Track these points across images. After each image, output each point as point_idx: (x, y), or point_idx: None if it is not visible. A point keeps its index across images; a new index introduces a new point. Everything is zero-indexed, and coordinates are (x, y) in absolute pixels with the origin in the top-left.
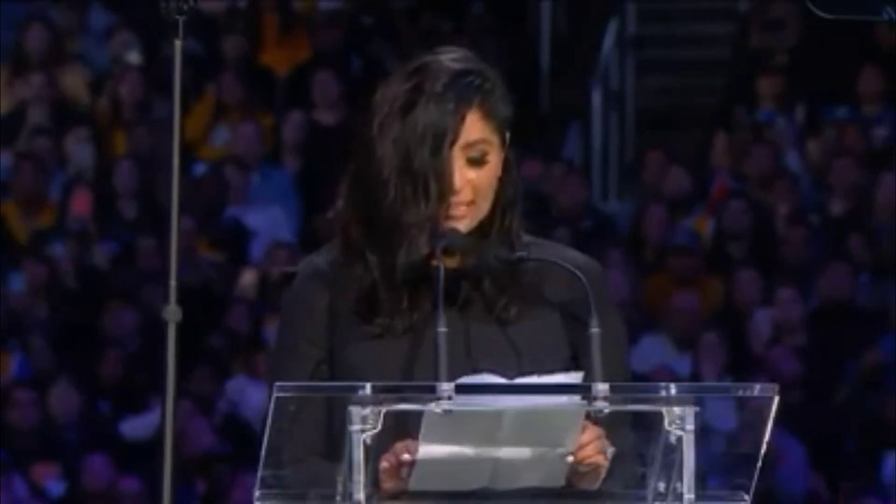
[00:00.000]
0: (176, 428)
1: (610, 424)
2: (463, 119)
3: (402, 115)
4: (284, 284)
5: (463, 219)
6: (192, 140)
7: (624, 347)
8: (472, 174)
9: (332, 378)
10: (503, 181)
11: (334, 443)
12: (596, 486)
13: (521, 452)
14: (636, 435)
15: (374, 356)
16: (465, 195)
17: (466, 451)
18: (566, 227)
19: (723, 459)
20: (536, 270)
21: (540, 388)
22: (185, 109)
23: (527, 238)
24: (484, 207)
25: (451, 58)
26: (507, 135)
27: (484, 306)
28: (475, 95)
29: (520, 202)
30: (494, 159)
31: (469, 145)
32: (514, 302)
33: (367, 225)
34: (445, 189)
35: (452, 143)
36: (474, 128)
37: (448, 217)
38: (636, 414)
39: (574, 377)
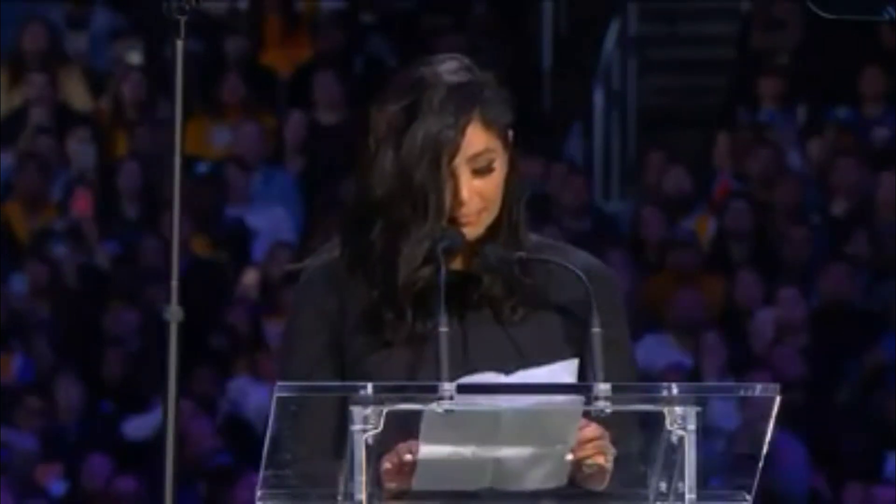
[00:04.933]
0: (177, 428)
1: (618, 424)
2: (463, 132)
3: (400, 134)
4: (288, 283)
5: (471, 227)
6: (193, 142)
7: (631, 350)
8: (479, 184)
9: (342, 377)
10: (508, 180)
11: (341, 442)
12: (602, 486)
13: (522, 452)
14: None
15: (383, 361)
16: (474, 205)
17: (467, 450)
18: (567, 226)
19: (724, 459)
20: (546, 272)
21: (541, 387)
22: (188, 111)
23: (538, 239)
24: (494, 212)
25: (447, 69)
26: (510, 133)
27: (490, 308)
28: (475, 107)
29: (524, 198)
30: (500, 165)
31: (474, 157)
32: (521, 303)
33: (368, 245)
34: (444, 205)
35: (452, 156)
36: (477, 139)
37: (457, 226)
38: (638, 414)
39: (569, 365)
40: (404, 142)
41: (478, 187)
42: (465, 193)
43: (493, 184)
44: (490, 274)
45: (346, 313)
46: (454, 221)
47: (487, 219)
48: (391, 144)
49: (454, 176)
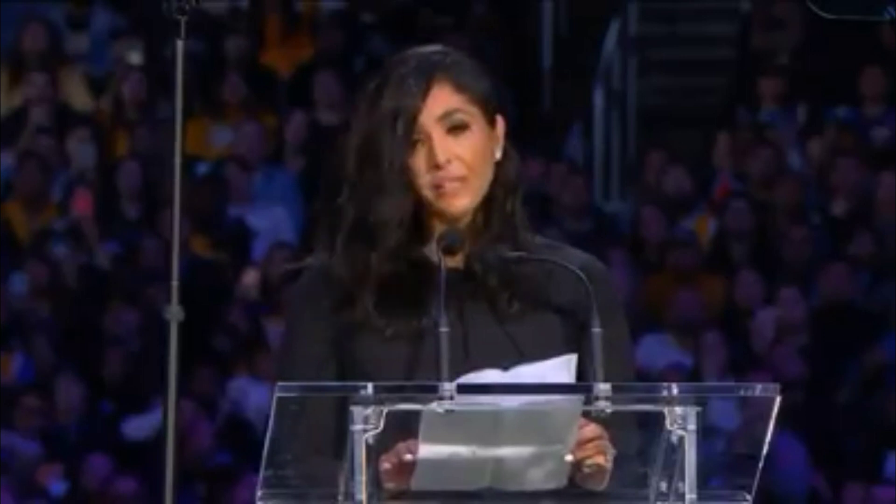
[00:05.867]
0: (178, 428)
1: (616, 424)
2: (425, 94)
3: (370, 108)
4: (287, 282)
5: (457, 196)
6: (194, 142)
7: (629, 349)
8: (455, 145)
9: (342, 377)
10: (502, 167)
11: (342, 442)
12: (602, 486)
13: (522, 452)
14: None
15: (382, 358)
16: (455, 169)
17: (467, 450)
18: (567, 226)
19: (724, 459)
20: (545, 272)
21: (541, 387)
22: (188, 111)
23: (539, 240)
24: (480, 185)
25: (421, 48)
26: (498, 117)
27: (487, 304)
28: (437, 69)
29: (521, 189)
30: (479, 129)
31: (444, 116)
32: (518, 300)
33: (350, 227)
34: (409, 167)
35: (415, 117)
36: (444, 99)
37: (442, 195)
38: (638, 414)
39: (568, 361)
40: (373, 114)
41: (454, 149)
42: (440, 154)
43: (470, 145)
44: (488, 270)
45: (344, 311)
46: (438, 189)
47: (473, 193)
48: (364, 120)
49: (428, 138)
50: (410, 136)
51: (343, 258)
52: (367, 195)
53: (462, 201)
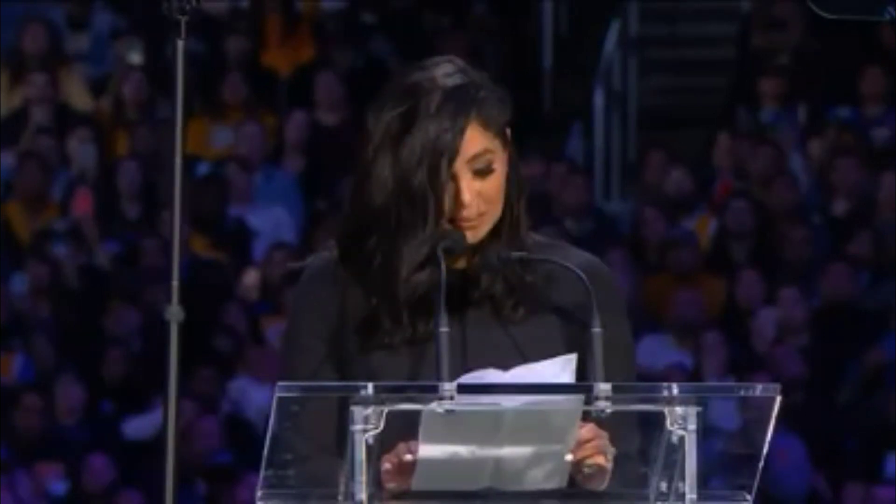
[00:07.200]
0: (178, 428)
1: (617, 424)
2: (462, 135)
3: (398, 139)
4: (289, 282)
5: (476, 230)
6: (194, 142)
7: (631, 352)
8: (479, 185)
9: (343, 376)
10: (508, 177)
11: (342, 441)
12: (603, 486)
13: (522, 452)
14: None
15: (385, 365)
16: (476, 208)
17: (467, 450)
18: (567, 226)
19: (725, 459)
20: (546, 273)
21: (542, 387)
22: (188, 111)
23: (538, 239)
24: (495, 212)
25: (442, 73)
26: (508, 132)
27: (491, 307)
28: (471, 109)
29: (525, 195)
30: (500, 166)
31: (473, 158)
32: (521, 302)
33: (368, 253)
34: (443, 208)
35: (452, 160)
36: (475, 141)
37: (461, 228)
38: (638, 414)
39: (568, 361)
40: (402, 148)
41: (478, 188)
42: (466, 196)
43: (493, 185)
44: (490, 273)
45: (347, 313)
46: (455, 224)
47: (489, 221)
48: (389, 151)
49: (455, 179)
50: (448, 177)
51: (364, 288)
52: (398, 237)
53: (477, 233)
